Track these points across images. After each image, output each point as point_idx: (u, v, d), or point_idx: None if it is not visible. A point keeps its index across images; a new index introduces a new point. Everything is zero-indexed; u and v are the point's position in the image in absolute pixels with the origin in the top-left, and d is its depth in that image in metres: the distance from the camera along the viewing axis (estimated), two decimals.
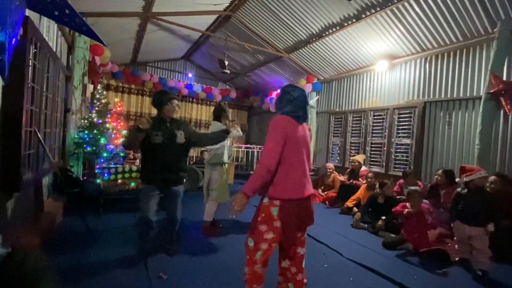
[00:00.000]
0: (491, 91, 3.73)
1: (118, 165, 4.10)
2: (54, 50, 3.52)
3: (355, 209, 4.62)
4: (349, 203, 4.80)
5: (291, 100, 1.81)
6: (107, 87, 7.78)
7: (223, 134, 2.58)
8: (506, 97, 3.67)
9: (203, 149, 7.21)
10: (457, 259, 2.95)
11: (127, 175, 4.08)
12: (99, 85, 5.79)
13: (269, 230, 1.72)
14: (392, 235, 3.48)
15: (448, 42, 4.44)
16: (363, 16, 4.60)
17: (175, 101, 2.53)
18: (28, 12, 2.34)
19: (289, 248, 1.81)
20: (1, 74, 1.04)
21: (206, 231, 3.40)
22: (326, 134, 7.09)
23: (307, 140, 1.86)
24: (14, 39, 1.06)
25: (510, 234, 2.98)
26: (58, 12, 1.26)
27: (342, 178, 5.74)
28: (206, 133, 2.73)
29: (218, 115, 3.51)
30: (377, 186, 4.44)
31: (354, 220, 4.13)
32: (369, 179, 4.70)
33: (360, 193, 4.81)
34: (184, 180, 2.68)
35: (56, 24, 3.60)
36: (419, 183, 4.39)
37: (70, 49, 4.52)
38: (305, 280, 2.36)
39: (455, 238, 3.08)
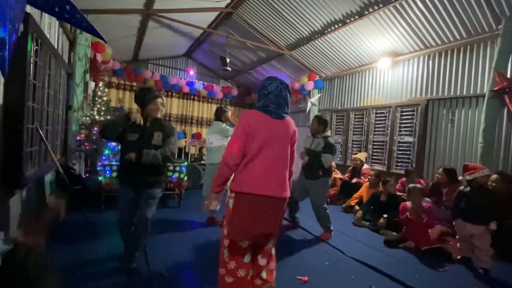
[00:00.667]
0: (495, 89, 3.69)
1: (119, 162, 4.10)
2: (56, 47, 3.52)
3: (357, 207, 4.62)
4: (351, 201, 4.79)
5: (266, 94, 1.72)
6: (108, 85, 7.77)
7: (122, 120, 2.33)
8: (510, 95, 3.63)
9: (202, 145, 7.25)
10: (458, 257, 2.95)
11: None
12: (101, 82, 5.78)
13: (226, 225, 1.72)
14: (394, 233, 3.48)
15: (451, 39, 4.39)
16: (366, 12, 4.56)
17: (159, 100, 2.32)
18: (29, 9, 2.34)
19: (245, 248, 1.70)
20: (1, 70, 1.03)
21: (208, 221, 3.61)
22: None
23: (285, 139, 1.73)
24: (14, 35, 1.05)
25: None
26: (58, 8, 1.25)
27: (339, 175, 5.74)
28: (169, 150, 2.31)
29: (219, 115, 3.70)
30: (380, 184, 4.43)
31: (356, 218, 4.13)
32: (370, 177, 4.69)
33: (362, 191, 4.80)
34: (160, 183, 2.43)
35: (57, 21, 3.60)
36: (421, 181, 4.38)
37: (72, 46, 4.52)
38: (305, 278, 2.37)
39: (457, 236, 3.07)
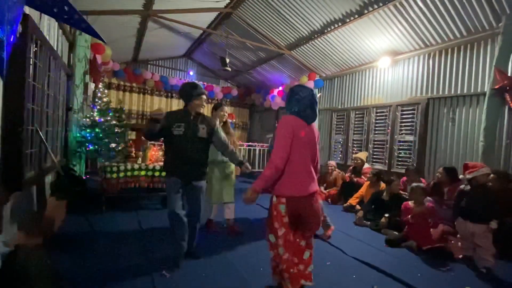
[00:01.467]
0: (496, 87, 3.68)
1: (120, 164, 4.10)
2: (55, 48, 3.51)
3: (358, 206, 4.61)
4: (352, 201, 4.78)
5: (299, 100, 1.86)
6: (108, 86, 7.78)
7: (240, 162, 2.62)
8: (511, 93, 3.61)
9: None
10: (460, 256, 2.94)
11: (129, 173, 4.08)
12: (101, 83, 5.78)
13: (281, 227, 1.84)
14: (395, 232, 3.47)
15: (452, 37, 4.38)
16: (366, 11, 4.55)
17: (204, 97, 2.48)
18: (28, 10, 2.33)
19: (293, 238, 1.88)
20: (0, 71, 1.03)
21: (232, 231, 3.39)
22: (328, 132, 7.06)
23: (314, 141, 1.92)
24: (12, 36, 1.04)
25: None
26: (57, 9, 1.25)
27: (340, 174, 5.74)
28: (224, 140, 2.61)
29: (212, 111, 3.41)
30: (381, 183, 4.43)
31: (357, 218, 4.12)
32: (369, 175, 4.69)
33: (362, 190, 4.79)
34: (205, 174, 2.63)
35: (56, 23, 3.59)
36: (423, 180, 4.37)
37: (71, 47, 4.52)
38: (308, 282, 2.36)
39: (458, 235, 3.06)
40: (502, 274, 2.63)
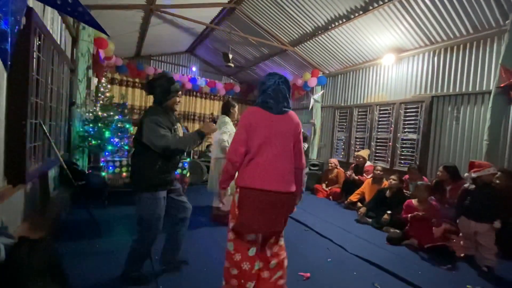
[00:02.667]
0: (501, 85, 3.63)
1: (122, 158, 4.11)
2: (59, 42, 3.52)
3: (359, 204, 4.61)
4: (353, 197, 4.78)
5: (264, 90, 1.74)
6: (111, 81, 7.78)
7: (196, 137, 2.04)
8: None
9: (208, 143, 7.23)
10: (462, 255, 2.93)
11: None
12: (104, 78, 5.78)
13: (232, 219, 1.76)
14: (397, 230, 3.46)
15: (458, 34, 4.32)
16: (371, 8, 4.50)
17: (179, 93, 2.13)
18: (32, 3, 2.33)
19: (250, 242, 1.73)
20: (4, 63, 1.03)
21: (214, 218, 3.58)
22: (330, 129, 7.03)
23: (288, 135, 1.72)
24: (16, 28, 1.04)
25: None
26: (60, 1, 1.24)
27: (342, 172, 5.73)
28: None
29: (227, 109, 3.60)
30: (384, 180, 4.43)
31: (359, 214, 4.11)
32: (376, 171, 4.67)
33: (364, 187, 4.78)
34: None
35: (60, 17, 3.59)
36: (425, 178, 4.35)
37: (75, 42, 4.52)
38: (308, 274, 2.37)
39: (460, 234, 3.05)
40: (503, 273, 2.62)
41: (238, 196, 1.71)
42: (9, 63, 1.04)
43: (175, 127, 2.11)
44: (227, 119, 3.57)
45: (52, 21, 3.25)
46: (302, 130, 1.83)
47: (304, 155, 1.86)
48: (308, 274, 2.37)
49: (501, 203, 2.71)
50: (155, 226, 2.01)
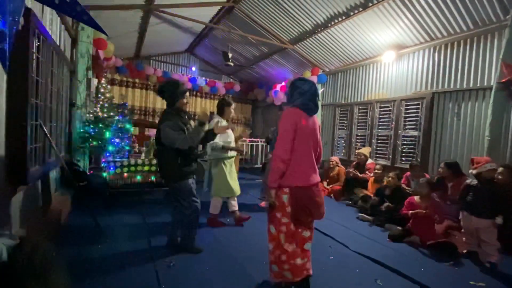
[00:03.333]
0: (503, 81, 3.61)
1: (124, 159, 4.12)
2: (58, 43, 3.51)
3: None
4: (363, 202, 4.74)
5: (302, 93, 1.89)
6: (111, 82, 7.79)
7: (198, 129, 2.31)
8: None
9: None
10: (465, 251, 2.92)
11: (132, 168, 4.10)
12: (103, 79, 5.78)
13: (284, 216, 1.88)
14: (399, 227, 3.45)
15: (458, 30, 4.30)
16: (370, 4, 4.48)
17: (187, 93, 2.49)
18: (30, 4, 2.32)
19: (295, 229, 1.93)
20: (2, 63, 1.02)
21: (210, 223, 3.48)
22: (331, 127, 7.02)
23: (316, 133, 1.96)
24: (14, 28, 1.04)
25: None
26: (58, 0, 1.24)
27: (343, 170, 5.72)
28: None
29: (221, 108, 3.38)
30: (384, 178, 4.42)
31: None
32: (377, 171, 4.67)
33: (369, 187, 4.79)
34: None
35: (59, 18, 3.58)
36: (426, 175, 4.34)
37: (74, 43, 4.51)
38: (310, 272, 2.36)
39: (462, 230, 3.04)
40: (506, 269, 2.61)
41: (289, 196, 1.85)
42: (8, 63, 1.03)
43: (188, 125, 2.43)
44: (218, 119, 3.34)
45: (51, 22, 3.24)
46: None
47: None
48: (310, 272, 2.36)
49: (503, 199, 2.70)
50: (195, 197, 2.48)
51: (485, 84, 4.02)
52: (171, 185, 2.47)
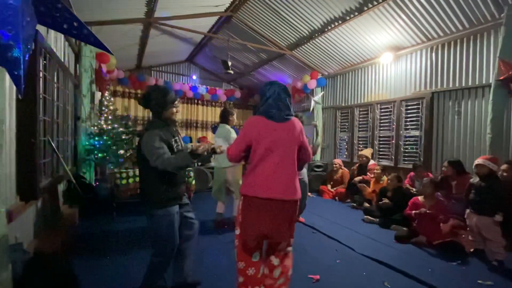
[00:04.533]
0: (501, 78, 3.64)
1: (129, 170, 4.18)
2: (62, 60, 3.62)
3: (366, 204, 4.62)
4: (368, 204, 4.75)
5: (266, 99, 1.77)
6: (114, 93, 7.91)
7: (189, 159, 1.81)
8: None
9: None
10: (471, 250, 2.92)
11: (137, 179, 4.16)
12: (106, 92, 5.90)
13: (237, 226, 1.80)
14: (404, 228, 3.46)
15: (454, 30, 4.35)
16: (365, 8, 4.55)
17: (177, 104, 2.03)
18: (37, 26, 2.42)
19: (253, 248, 1.75)
20: (18, 88, 1.09)
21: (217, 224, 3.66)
22: (333, 130, 7.05)
23: (289, 140, 1.73)
24: (27, 55, 1.10)
25: None
26: (67, 25, 1.30)
27: (346, 172, 5.72)
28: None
29: (226, 117, 3.68)
30: (384, 178, 4.46)
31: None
32: (376, 171, 4.72)
33: (371, 187, 4.80)
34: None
35: (63, 35, 3.70)
36: (430, 174, 4.35)
37: (77, 58, 4.63)
38: (317, 276, 2.38)
39: (468, 229, 3.04)
40: None
41: (242, 203, 1.75)
42: (23, 88, 1.10)
43: (176, 138, 2.02)
44: (229, 127, 3.65)
45: (56, 40, 3.35)
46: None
47: (310, 149, 1.88)
48: (318, 276, 2.38)
49: (503, 195, 2.71)
50: (171, 242, 1.92)
51: (484, 82, 4.05)
52: (148, 213, 1.93)
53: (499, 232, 2.64)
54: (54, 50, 3.14)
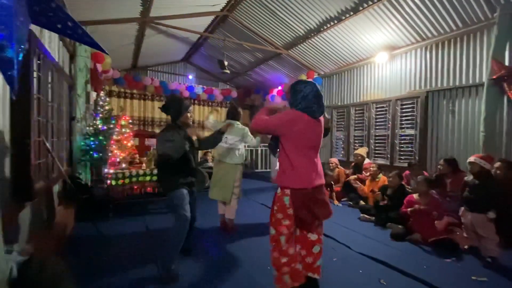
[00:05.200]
0: (494, 77, 3.70)
1: (125, 170, 4.16)
2: (57, 60, 3.58)
3: (362, 202, 4.66)
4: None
5: (304, 96, 1.89)
6: (109, 93, 7.86)
7: (220, 136, 2.74)
8: (509, 82, 3.63)
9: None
10: (466, 247, 2.96)
11: (134, 179, 4.14)
12: (102, 91, 5.85)
13: (285, 218, 1.90)
14: (400, 226, 3.49)
15: (448, 30, 4.40)
16: (361, 8, 4.58)
17: (191, 109, 2.63)
18: (30, 25, 2.39)
19: (300, 232, 1.99)
20: (11, 89, 1.08)
21: (231, 229, 3.50)
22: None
23: (320, 133, 1.98)
24: (21, 55, 1.10)
25: None
26: (61, 25, 1.29)
27: (343, 171, 5.74)
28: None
29: (236, 114, 3.60)
30: (381, 175, 4.51)
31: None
32: (371, 169, 4.75)
33: (366, 186, 4.83)
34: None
35: (57, 35, 3.66)
36: (425, 173, 4.39)
37: (72, 58, 4.59)
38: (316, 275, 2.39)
39: (463, 226, 3.08)
40: (507, 262, 2.65)
41: (290, 197, 1.88)
42: (16, 88, 1.09)
43: (187, 140, 2.49)
44: (246, 129, 3.57)
45: (50, 39, 3.32)
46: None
47: None
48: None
49: (498, 193, 2.75)
50: (184, 216, 2.36)
51: (477, 81, 4.10)
52: (167, 196, 2.48)
53: (493, 229, 2.68)
54: (48, 49, 3.11)
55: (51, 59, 3.16)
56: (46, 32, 3.12)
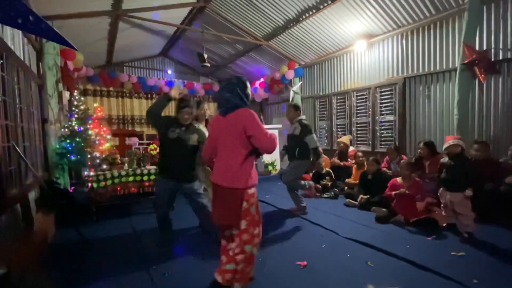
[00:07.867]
0: (465, 62, 3.85)
1: (106, 171, 4.00)
2: (22, 59, 3.34)
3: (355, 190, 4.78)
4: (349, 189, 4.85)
5: (217, 98, 2.02)
6: (84, 92, 7.49)
7: (164, 100, 2.78)
8: (480, 66, 3.80)
9: None
10: (444, 224, 3.12)
11: (117, 180, 4.00)
12: (76, 91, 5.55)
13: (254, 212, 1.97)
14: (384, 209, 3.62)
15: (422, 16, 4.52)
16: None
17: (187, 110, 2.67)
18: None
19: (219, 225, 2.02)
20: None
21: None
22: (312, 119, 7.16)
23: (231, 130, 1.84)
24: None
25: (491, 196, 3.17)
26: (21, 19, 1.19)
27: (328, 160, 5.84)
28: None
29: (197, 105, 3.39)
30: (364, 163, 4.61)
31: (360, 200, 4.14)
32: (359, 158, 4.84)
33: (353, 175, 4.95)
34: (197, 177, 2.85)
35: (21, 32, 3.40)
36: (404, 157, 4.56)
37: (39, 55, 4.30)
38: (304, 263, 2.45)
39: (442, 205, 3.25)
40: (482, 236, 2.82)
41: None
42: None
43: (177, 130, 2.67)
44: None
45: (13, 37, 3.08)
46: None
47: (267, 139, 1.80)
48: (305, 263, 2.44)
49: (472, 172, 2.90)
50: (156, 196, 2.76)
51: (450, 66, 4.27)
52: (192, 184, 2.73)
53: (469, 206, 2.84)
54: (12, 47, 2.88)
55: (16, 58, 2.94)
56: (8, 29, 2.89)
